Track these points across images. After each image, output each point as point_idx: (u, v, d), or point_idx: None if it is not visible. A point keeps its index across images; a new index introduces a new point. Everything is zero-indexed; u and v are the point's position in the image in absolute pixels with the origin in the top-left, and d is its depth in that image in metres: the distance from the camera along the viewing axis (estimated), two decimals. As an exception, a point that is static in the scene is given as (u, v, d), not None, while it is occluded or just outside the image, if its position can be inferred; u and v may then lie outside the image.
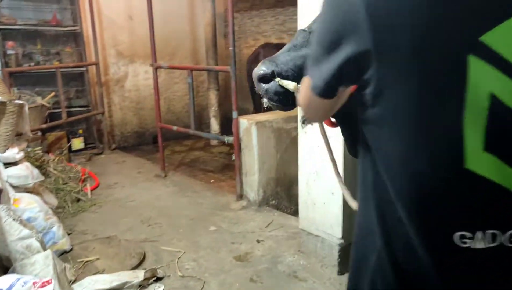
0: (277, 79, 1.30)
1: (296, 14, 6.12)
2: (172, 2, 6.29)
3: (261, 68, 1.34)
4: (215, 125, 6.26)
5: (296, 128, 3.85)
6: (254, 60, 6.08)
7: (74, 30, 5.41)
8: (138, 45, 6.13)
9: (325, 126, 1.42)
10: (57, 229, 2.94)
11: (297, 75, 1.33)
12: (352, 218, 2.66)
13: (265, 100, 1.39)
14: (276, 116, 3.85)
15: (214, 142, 6.31)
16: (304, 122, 1.38)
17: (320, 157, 2.69)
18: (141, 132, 6.48)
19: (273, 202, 3.82)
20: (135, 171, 4.96)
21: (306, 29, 1.40)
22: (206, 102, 6.52)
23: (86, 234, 3.34)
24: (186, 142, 6.52)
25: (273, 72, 1.33)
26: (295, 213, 3.85)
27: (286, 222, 3.48)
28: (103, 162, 5.35)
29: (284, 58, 1.35)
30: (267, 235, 3.28)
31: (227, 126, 6.56)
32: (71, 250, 2.99)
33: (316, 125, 1.59)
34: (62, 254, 2.91)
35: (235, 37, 3.64)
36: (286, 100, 1.32)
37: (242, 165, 3.80)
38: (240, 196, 3.85)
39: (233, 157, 3.86)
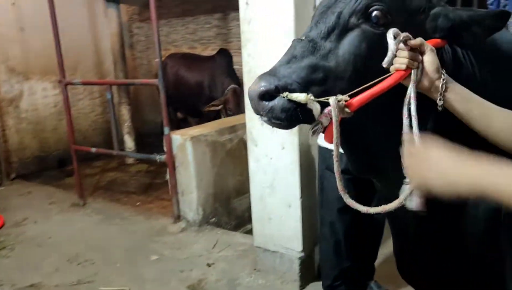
0: (285, 93, 1.16)
1: (208, 23, 6.07)
2: (69, 10, 5.67)
3: (261, 85, 1.19)
4: (129, 142, 5.81)
5: (230, 140, 3.71)
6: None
7: (-46, 45, 4.65)
8: (33, 60, 5.46)
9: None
10: (-31, 287, 2.42)
11: (303, 88, 1.21)
12: (312, 229, 2.60)
13: (265, 118, 1.23)
14: (209, 129, 3.66)
15: (129, 161, 5.86)
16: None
17: (274, 170, 2.58)
18: (43, 157, 5.76)
19: (213, 219, 3.62)
20: (45, 202, 4.37)
21: (303, 37, 1.28)
22: (117, 118, 6.03)
23: (1, 285, 2.82)
24: (96, 163, 5.94)
25: (276, 87, 1.18)
26: (235, 228, 3.71)
27: (232, 240, 3.31)
28: (3, 195, 4.63)
29: (285, 71, 1.22)
30: (217, 256, 3.07)
31: (141, 142, 6.17)
32: (-12, 309, 2.49)
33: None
34: (-22, 316, 2.41)
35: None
36: (295, 116, 1.19)
37: (178, 183, 3.54)
38: (178, 217, 3.58)
39: (167, 176, 3.58)
